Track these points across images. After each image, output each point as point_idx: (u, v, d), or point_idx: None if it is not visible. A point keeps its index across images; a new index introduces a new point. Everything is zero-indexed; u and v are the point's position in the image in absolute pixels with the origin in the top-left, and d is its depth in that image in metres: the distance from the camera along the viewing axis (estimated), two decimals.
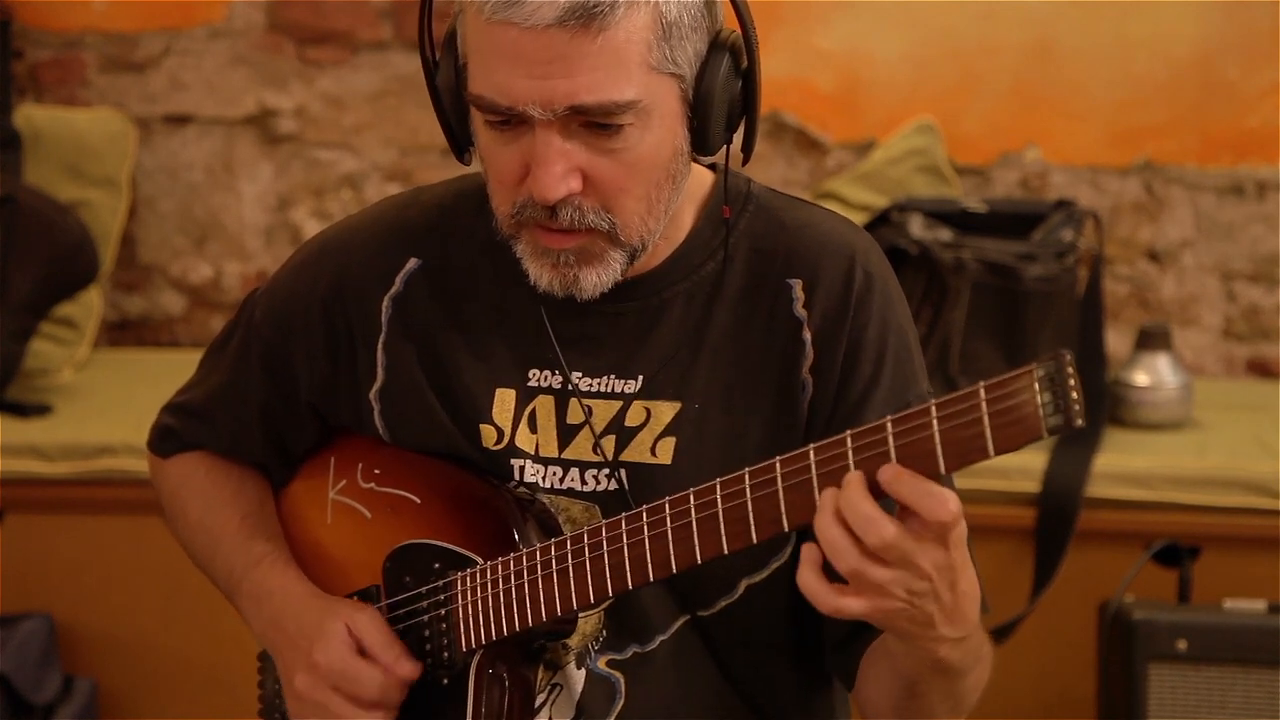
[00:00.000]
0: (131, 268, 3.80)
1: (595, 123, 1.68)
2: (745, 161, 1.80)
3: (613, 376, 1.83)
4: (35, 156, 3.58)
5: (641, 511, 1.66)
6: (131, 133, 3.71)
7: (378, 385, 1.89)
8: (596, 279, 1.75)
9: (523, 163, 1.70)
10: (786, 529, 1.58)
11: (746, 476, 1.58)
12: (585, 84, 1.65)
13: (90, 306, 3.59)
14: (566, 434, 1.83)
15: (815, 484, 1.54)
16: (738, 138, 1.79)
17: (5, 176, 3.49)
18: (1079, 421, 1.42)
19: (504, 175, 1.73)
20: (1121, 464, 3.20)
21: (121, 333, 3.80)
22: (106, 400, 3.42)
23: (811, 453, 1.54)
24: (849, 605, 1.54)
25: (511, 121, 1.69)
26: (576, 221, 1.72)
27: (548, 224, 1.72)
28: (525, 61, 1.65)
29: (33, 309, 3.40)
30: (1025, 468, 3.15)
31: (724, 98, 1.73)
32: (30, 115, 3.63)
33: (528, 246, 1.76)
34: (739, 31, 1.73)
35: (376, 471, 1.92)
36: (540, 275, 1.76)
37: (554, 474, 1.83)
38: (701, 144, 1.75)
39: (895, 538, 1.50)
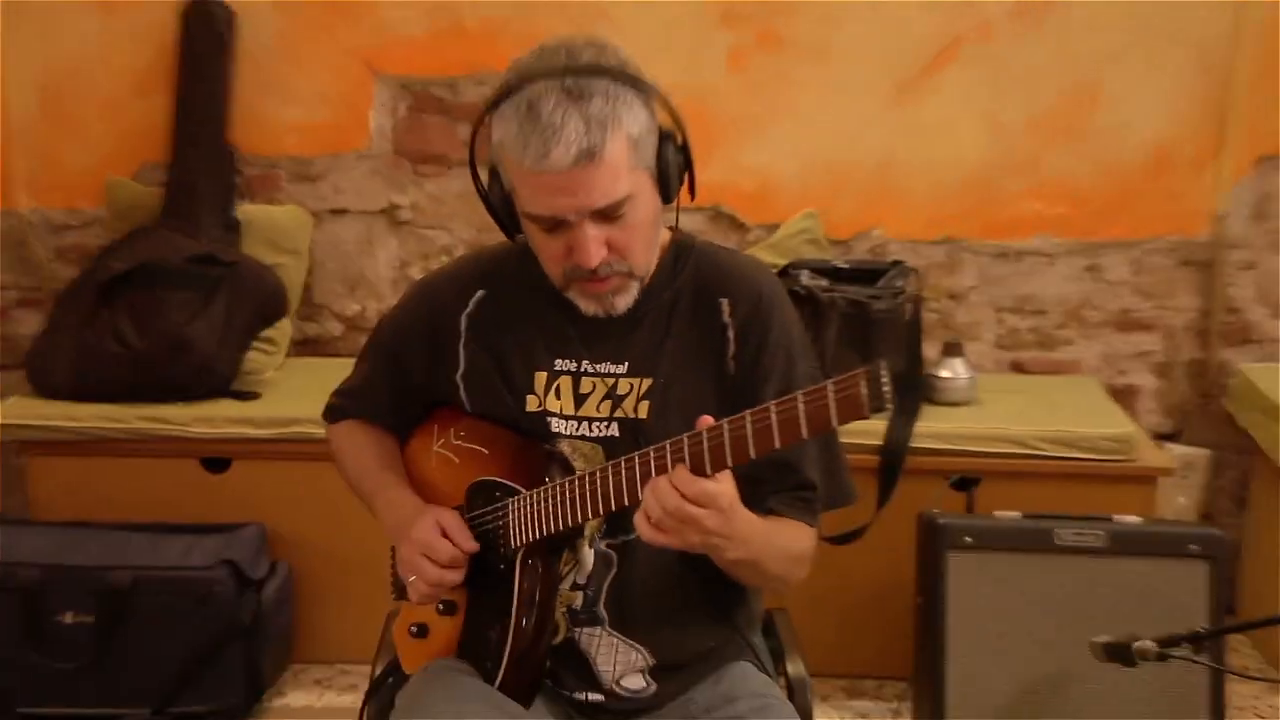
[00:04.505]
0: (309, 305, 3.81)
1: (607, 213, 1.72)
2: (693, 196, 1.81)
3: (609, 363, 1.86)
4: (249, 236, 3.61)
5: (620, 461, 1.68)
6: (309, 220, 3.72)
7: (461, 371, 1.92)
8: (624, 302, 1.81)
9: (566, 246, 1.75)
10: (709, 473, 1.60)
11: (685, 440, 1.61)
12: (599, 194, 1.69)
13: (284, 330, 3.61)
14: (579, 400, 1.86)
15: (726, 442, 1.57)
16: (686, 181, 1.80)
17: (232, 249, 3.54)
18: (888, 406, 1.44)
19: (554, 255, 1.78)
20: (933, 427, 3.21)
21: (303, 347, 3.81)
22: (294, 390, 3.44)
23: (725, 424, 1.57)
24: (659, 538, 1.64)
25: (557, 225, 1.74)
26: (608, 271, 1.76)
27: (590, 278, 1.76)
28: (558, 190, 1.69)
29: (248, 332, 3.44)
30: (873, 429, 3.16)
31: (674, 167, 1.78)
32: (246, 210, 3.65)
33: (578, 292, 1.80)
34: (675, 122, 1.76)
35: (462, 433, 1.94)
36: (587, 306, 1.81)
37: (572, 426, 1.86)
38: (666, 196, 1.78)
39: (675, 506, 1.59)
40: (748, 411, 1.55)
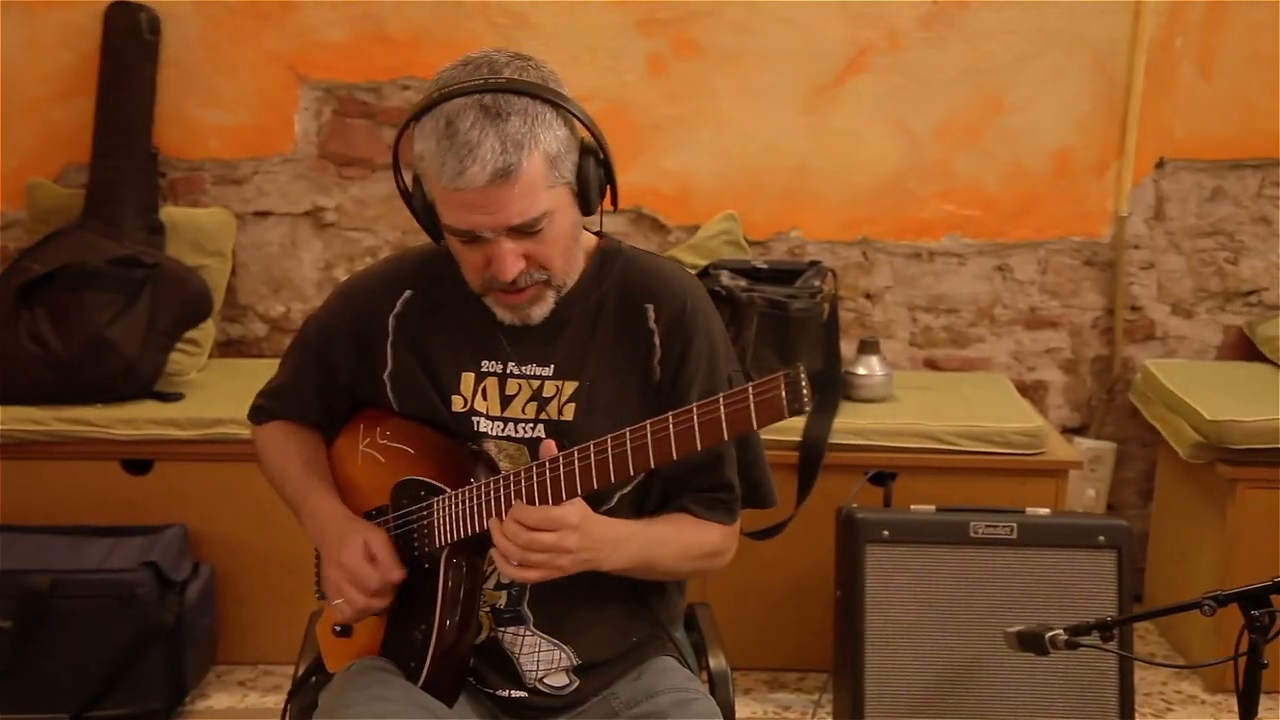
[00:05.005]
0: (234, 306, 3.74)
1: (524, 229, 1.70)
2: (615, 207, 1.80)
3: (535, 365, 1.84)
4: (174, 238, 3.53)
5: (546, 461, 1.67)
6: (233, 222, 3.65)
7: (388, 371, 1.89)
8: (540, 312, 1.79)
9: (484, 258, 1.73)
10: (632, 474, 1.61)
11: (609, 440, 1.61)
12: (514, 211, 1.68)
13: (208, 331, 3.55)
14: (505, 401, 1.84)
15: (649, 445, 1.57)
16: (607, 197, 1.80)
17: (154, 251, 3.46)
18: (807, 408, 1.46)
19: (473, 265, 1.76)
20: (850, 423, 3.21)
21: (227, 348, 3.74)
22: (218, 391, 3.37)
23: (648, 425, 1.57)
24: (531, 575, 1.69)
25: (473, 239, 1.72)
26: (527, 281, 1.74)
27: (508, 289, 1.74)
28: (474, 207, 1.68)
29: (171, 334, 3.36)
30: (792, 426, 3.16)
31: (594, 182, 1.75)
32: (170, 212, 3.57)
33: (494, 301, 1.79)
34: (595, 138, 1.75)
35: (388, 432, 1.91)
36: (504, 315, 1.80)
37: (498, 426, 1.84)
38: (586, 210, 1.77)
39: (526, 539, 1.65)
40: (670, 413, 1.56)
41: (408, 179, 1.79)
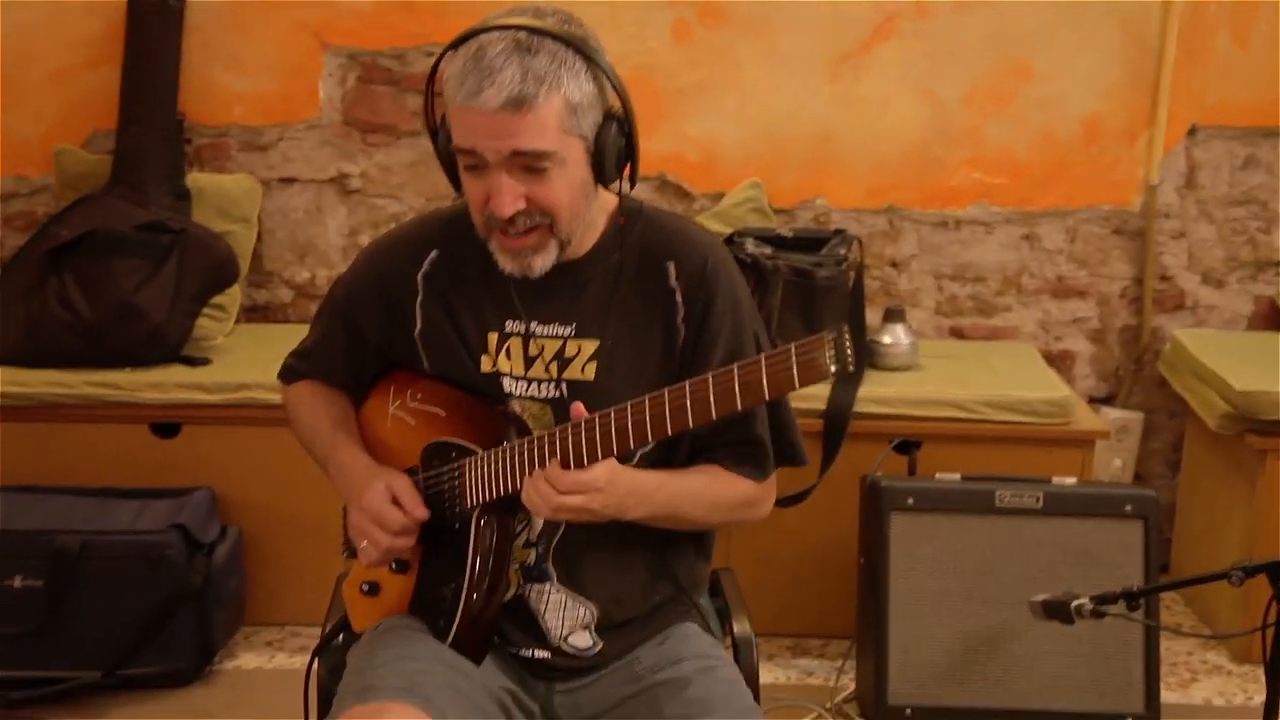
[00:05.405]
0: (259, 272, 3.75)
1: (529, 165, 1.70)
2: (631, 187, 1.81)
3: (557, 324, 1.85)
4: (199, 204, 3.55)
5: (568, 426, 1.68)
6: (259, 189, 3.67)
7: (418, 329, 1.90)
8: (541, 263, 1.79)
9: (485, 192, 1.74)
10: (670, 434, 1.61)
11: (647, 401, 1.62)
12: (521, 140, 1.68)
13: (234, 297, 3.56)
14: (528, 361, 1.85)
15: (688, 405, 1.57)
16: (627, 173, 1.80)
17: (181, 217, 3.48)
18: (850, 368, 1.47)
19: (475, 199, 1.77)
20: (875, 392, 3.20)
21: (253, 313, 3.76)
22: (245, 356, 3.38)
23: (687, 386, 1.58)
24: (567, 503, 1.71)
25: (478, 166, 1.72)
26: (527, 223, 1.74)
27: (507, 230, 1.75)
28: (480, 130, 1.69)
29: (198, 300, 3.38)
30: (817, 394, 3.16)
31: (613, 150, 1.76)
32: (196, 178, 3.58)
33: (496, 245, 1.80)
34: (624, 108, 1.76)
35: (419, 395, 1.92)
36: (506, 263, 1.80)
37: (521, 386, 1.85)
38: (600, 178, 1.77)
39: (558, 503, 1.68)
40: (711, 373, 1.56)
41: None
